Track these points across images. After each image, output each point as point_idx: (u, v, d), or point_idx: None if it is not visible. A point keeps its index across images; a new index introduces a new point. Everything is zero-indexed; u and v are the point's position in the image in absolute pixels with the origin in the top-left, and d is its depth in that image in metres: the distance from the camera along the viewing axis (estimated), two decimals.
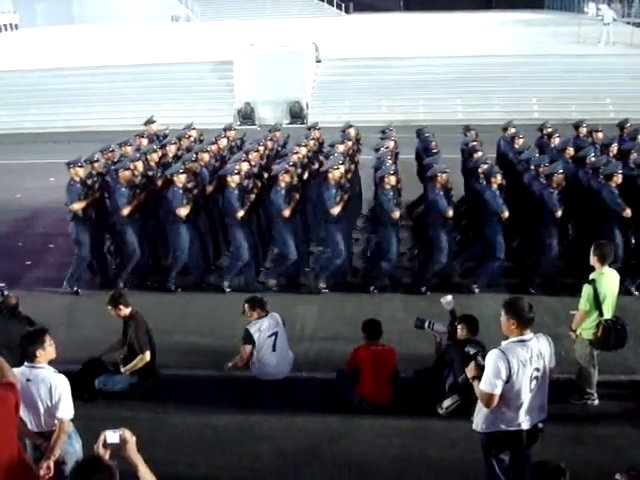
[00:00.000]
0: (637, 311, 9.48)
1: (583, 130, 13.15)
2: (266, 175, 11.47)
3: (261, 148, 12.25)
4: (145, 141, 12.95)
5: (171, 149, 12.30)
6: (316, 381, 8.31)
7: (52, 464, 5.40)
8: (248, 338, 8.03)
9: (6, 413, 5.00)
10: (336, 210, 10.34)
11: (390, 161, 11.45)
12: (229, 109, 24.75)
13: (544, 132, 13.11)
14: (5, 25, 41.48)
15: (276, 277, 10.92)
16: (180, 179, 10.48)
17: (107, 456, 4.12)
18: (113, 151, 12.09)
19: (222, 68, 26.25)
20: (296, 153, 11.65)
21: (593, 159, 11.02)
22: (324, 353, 8.84)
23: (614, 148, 11.71)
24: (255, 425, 7.48)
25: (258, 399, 7.97)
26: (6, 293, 7.96)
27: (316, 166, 12.26)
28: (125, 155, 12.06)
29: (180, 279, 11.06)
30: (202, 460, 6.97)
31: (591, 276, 7.41)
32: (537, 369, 5.37)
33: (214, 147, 12.34)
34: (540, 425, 5.54)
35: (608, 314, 7.37)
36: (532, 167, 10.93)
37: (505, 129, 13.32)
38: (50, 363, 5.75)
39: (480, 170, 10.74)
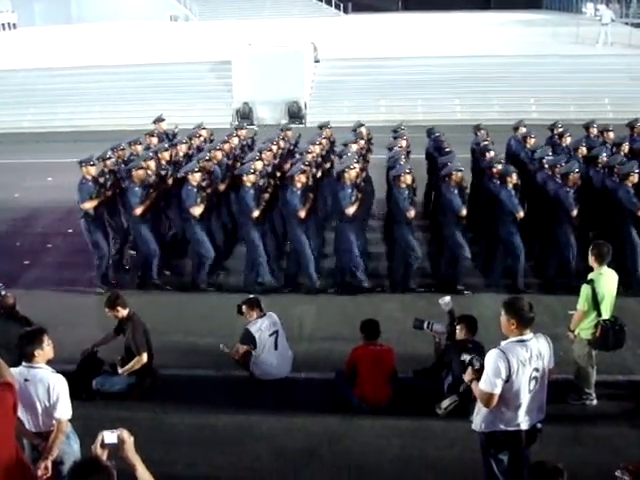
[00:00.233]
0: (636, 311, 9.48)
1: (594, 130, 13.12)
2: (279, 174, 11.49)
3: (274, 147, 12.25)
4: (155, 140, 12.96)
5: (182, 148, 12.31)
6: (315, 381, 8.30)
7: (50, 464, 5.40)
8: (248, 338, 8.04)
9: (4, 413, 4.99)
10: (351, 210, 10.32)
11: (404, 160, 11.43)
12: (227, 109, 24.77)
13: (555, 132, 13.09)
14: (3, 24, 41.42)
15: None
16: (195, 177, 10.45)
17: (105, 456, 4.11)
18: (124, 149, 12.07)
19: (220, 68, 26.25)
20: (310, 152, 11.63)
21: (605, 158, 11.03)
22: (323, 353, 8.83)
23: (625, 147, 11.76)
24: (254, 425, 7.48)
25: (257, 399, 7.97)
26: (4, 293, 7.95)
27: (328, 165, 12.25)
28: (135, 154, 12.08)
29: (178, 279, 11.05)
30: (201, 460, 6.96)
31: (589, 276, 7.42)
32: (536, 369, 5.37)
33: (226, 146, 12.34)
34: (539, 425, 5.54)
35: (606, 314, 7.36)
36: (546, 166, 10.89)
37: (516, 129, 13.28)
38: (48, 363, 5.74)
39: (494, 170, 10.71)
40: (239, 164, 11.90)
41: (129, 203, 10.64)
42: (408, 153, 12.60)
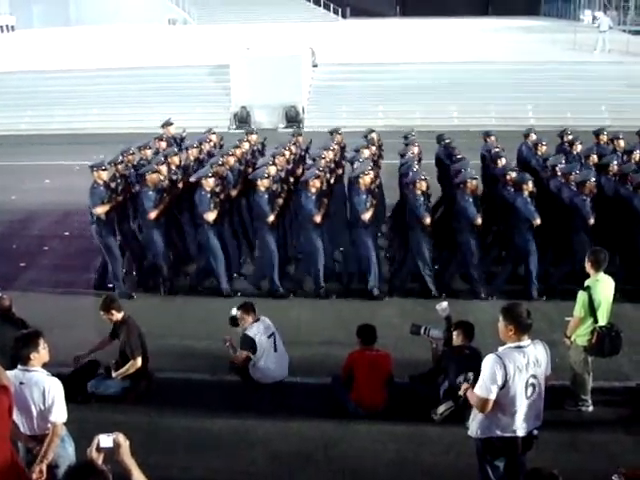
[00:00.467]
0: (632, 318, 9.49)
1: (604, 137, 13.08)
2: (292, 179, 11.50)
3: (287, 152, 12.24)
4: (164, 144, 12.95)
5: (193, 152, 12.29)
6: (311, 386, 8.29)
7: (45, 468, 5.38)
8: (248, 342, 8.04)
9: None
10: (367, 215, 10.32)
11: (417, 166, 11.41)
12: (225, 112, 24.76)
13: (565, 139, 13.05)
14: (1, 27, 41.40)
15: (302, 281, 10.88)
16: (208, 183, 10.41)
17: (100, 460, 4.09)
18: (133, 153, 12.02)
19: (219, 72, 26.25)
20: (323, 158, 11.63)
21: (616, 166, 11.06)
22: (319, 358, 8.81)
23: (636, 155, 11.75)
24: (250, 429, 7.47)
25: (253, 403, 7.96)
26: (0, 295, 7.93)
27: (340, 171, 12.27)
28: (145, 158, 12.06)
29: (176, 282, 11.05)
30: (197, 464, 6.95)
31: (586, 283, 7.42)
32: (533, 376, 5.37)
33: (238, 151, 12.30)
34: (535, 432, 5.54)
35: (603, 321, 7.38)
36: (559, 174, 10.86)
37: (526, 136, 13.22)
38: (43, 366, 5.72)
39: (509, 177, 10.69)
40: (250, 169, 11.93)
41: (142, 207, 10.58)
42: (419, 160, 12.58)
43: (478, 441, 5.61)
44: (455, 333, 7.57)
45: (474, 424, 5.57)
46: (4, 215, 15.17)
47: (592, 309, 7.29)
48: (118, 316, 7.91)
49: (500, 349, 5.40)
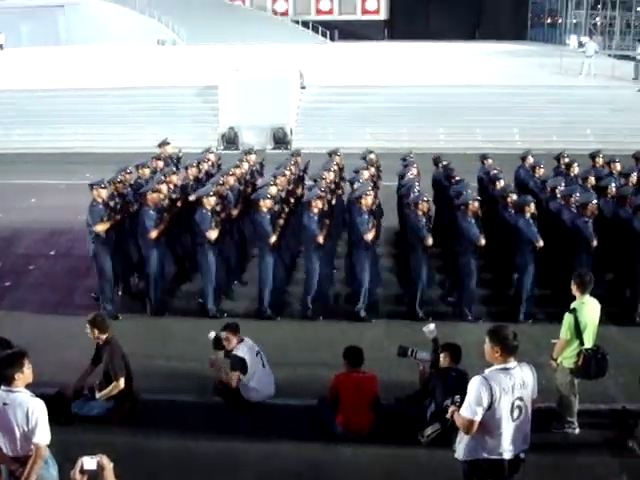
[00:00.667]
0: (618, 340, 9.53)
1: (599, 160, 13.20)
2: (292, 200, 11.53)
3: (287, 172, 12.27)
4: (161, 163, 12.94)
5: (192, 172, 12.32)
6: (297, 408, 8.24)
7: None
8: (239, 363, 8.03)
9: None
10: (370, 236, 10.31)
11: (418, 187, 11.43)
12: (213, 133, 24.79)
13: (561, 162, 13.14)
14: None
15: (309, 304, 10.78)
16: (209, 201, 10.41)
17: None
18: (131, 172, 12.00)
19: (207, 92, 26.34)
20: (324, 179, 11.66)
21: (614, 189, 11.15)
22: (305, 379, 8.78)
23: (634, 178, 11.88)
24: (236, 452, 7.41)
25: (239, 425, 7.89)
26: None
27: (340, 192, 12.28)
28: (142, 177, 12.05)
29: (165, 303, 11.00)
30: None
31: (572, 305, 7.45)
32: (520, 398, 5.37)
33: (238, 171, 12.33)
34: (522, 455, 5.53)
35: (589, 343, 7.40)
36: (559, 196, 10.93)
37: (524, 158, 13.30)
38: (26, 386, 5.66)
39: (509, 200, 10.73)
40: (249, 189, 11.95)
41: (143, 226, 10.54)
42: (418, 181, 12.63)
43: (465, 463, 5.59)
44: (442, 355, 7.57)
45: (460, 446, 5.55)
46: None
47: (578, 331, 7.31)
48: (102, 337, 7.86)
49: (486, 371, 5.40)
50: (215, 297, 10.76)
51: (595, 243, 10.13)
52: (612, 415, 8.06)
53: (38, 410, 5.49)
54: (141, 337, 9.81)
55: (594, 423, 7.87)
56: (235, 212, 11.31)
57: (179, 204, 11.30)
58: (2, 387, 5.57)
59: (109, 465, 4.12)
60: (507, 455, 5.44)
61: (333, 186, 12.09)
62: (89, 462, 4.09)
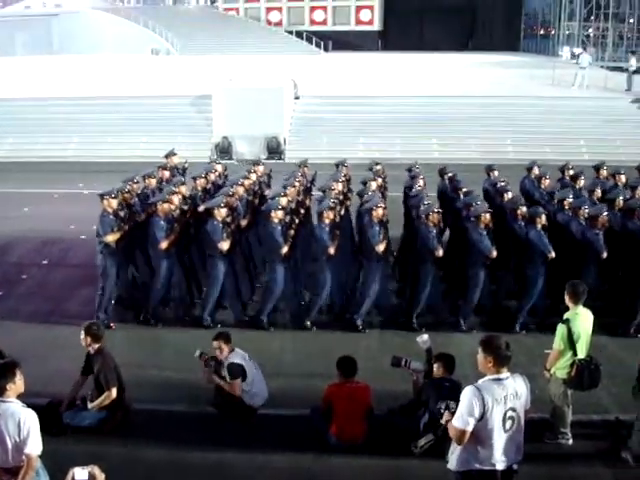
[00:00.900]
0: (611, 351, 9.55)
1: (604, 172, 13.21)
2: (302, 211, 11.54)
3: (297, 184, 12.25)
4: (167, 173, 12.90)
5: (200, 182, 12.28)
6: (291, 418, 8.22)
7: None
8: (238, 370, 8.01)
9: None
10: (381, 247, 10.29)
11: (428, 198, 11.41)
12: (207, 143, 24.82)
13: (566, 173, 13.12)
14: None
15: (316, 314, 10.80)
16: (220, 212, 10.37)
17: None
18: (137, 182, 11.95)
19: (201, 102, 26.38)
20: (333, 190, 11.67)
21: (622, 201, 11.17)
22: (299, 389, 8.76)
23: None
24: (229, 462, 7.38)
25: (232, 436, 7.86)
26: None
27: (348, 203, 12.32)
28: (148, 187, 12.02)
29: (160, 312, 10.96)
30: None
31: (565, 316, 7.46)
32: (512, 409, 5.37)
33: (246, 182, 12.29)
34: (515, 466, 5.52)
35: (582, 354, 7.40)
36: (567, 208, 10.93)
37: (529, 169, 13.24)
38: (17, 397, 5.63)
39: (519, 211, 10.69)
40: (257, 200, 11.98)
41: (154, 237, 10.49)
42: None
43: (457, 474, 5.57)
44: (435, 365, 7.56)
45: (453, 457, 5.54)
46: None
47: (571, 342, 7.32)
48: (95, 346, 7.83)
49: (479, 381, 5.40)
50: (213, 308, 10.74)
51: (605, 254, 10.14)
52: (605, 426, 8.06)
53: (30, 420, 5.47)
54: (134, 347, 9.79)
55: (587, 434, 7.88)
56: (244, 223, 11.29)
57: (188, 215, 11.28)
58: None
59: (101, 476, 4.11)
60: (500, 466, 5.43)
61: (342, 197, 12.08)
62: (80, 473, 4.08)
